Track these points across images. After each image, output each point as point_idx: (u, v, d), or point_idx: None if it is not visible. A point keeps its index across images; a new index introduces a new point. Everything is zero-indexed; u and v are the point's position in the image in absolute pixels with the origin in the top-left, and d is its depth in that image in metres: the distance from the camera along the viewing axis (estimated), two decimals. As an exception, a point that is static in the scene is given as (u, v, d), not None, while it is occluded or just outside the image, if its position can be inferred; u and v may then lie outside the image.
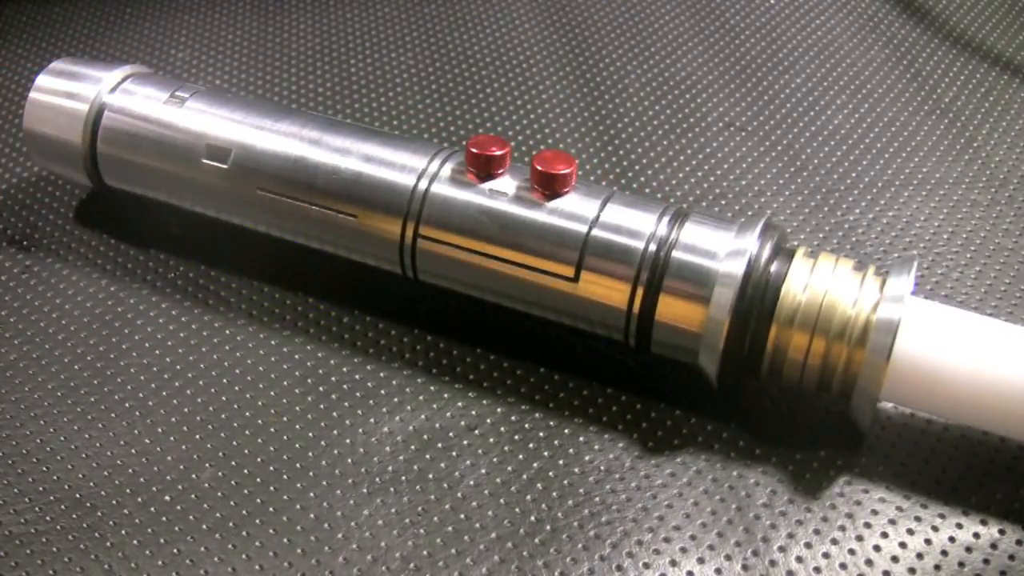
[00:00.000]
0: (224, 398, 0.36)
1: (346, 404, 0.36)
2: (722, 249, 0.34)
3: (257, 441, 0.35)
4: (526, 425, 0.35)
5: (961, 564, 0.31)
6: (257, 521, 0.32)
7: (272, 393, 0.36)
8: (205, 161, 0.39)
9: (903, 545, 0.32)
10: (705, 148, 0.49)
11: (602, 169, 0.47)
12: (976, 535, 0.32)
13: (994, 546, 0.32)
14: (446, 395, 0.36)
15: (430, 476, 0.34)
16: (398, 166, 0.37)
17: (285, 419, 0.35)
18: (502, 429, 0.35)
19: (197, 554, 0.31)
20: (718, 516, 0.33)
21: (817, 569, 0.31)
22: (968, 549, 0.32)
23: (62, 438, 0.35)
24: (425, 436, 0.35)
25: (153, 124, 0.40)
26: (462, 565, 0.31)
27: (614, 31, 0.57)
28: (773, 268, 0.33)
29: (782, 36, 0.57)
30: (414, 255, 0.37)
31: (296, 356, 0.38)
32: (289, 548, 0.32)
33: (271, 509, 0.33)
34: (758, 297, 0.33)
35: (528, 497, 0.33)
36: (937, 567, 0.31)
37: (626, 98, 0.52)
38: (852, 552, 0.32)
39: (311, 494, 0.33)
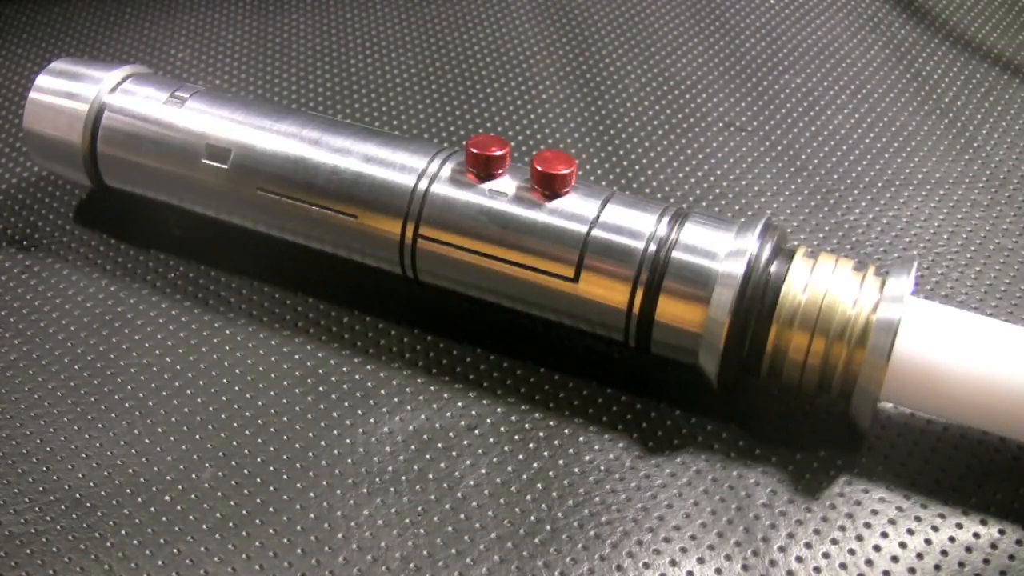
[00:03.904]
0: (224, 398, 0.36)
1: (346, 404, 0.36)
2: (722, 249, 0.34)
3: (257, 441, 0.35)
4: (526, 425, 0.35)
5: (961, 564, 0.31)
6: (257, 521, 0.32)
7: (272, 393, 0.36)
8: (205, 161, 0.39)
9: (903, 545, 0.32)
10: (705, 148, 0.49)
11: (602, 169, 0.47)
12: (976, 535, 0.32)
13: (994, 546, 0.32)
14: (446, 395, 0.36)
15: (430, 476, 0.34)
16: (398, 166, 0.37)
17: (285, 419, 0.35)
18: (502, 429, 0.35)
19: (197, 554, 0.31)
20: (718, 516, 0.33)
21: (817, 569, 0.31)
22: (968, 549, 0.32)
23: (62, 438, 0.35)
24: (425, 436, 0.35)
25: (153, 124, 0.40)
26: (462, 565, 0.31)
27: (614, 31, 0.57)
28: (773, 268, 0.33)
29: (782, 36, 0.57)
30: (414, 255, 0.37)
31: (296, 356, 0.38)
32: (289, 548, 0.32)
33: (271, 509, 0.33)
34: (758, 297, 0.33)
35: (528, 497, 0.33)
36: (937, 567, 0.31)
37: (626, 98, 0.52)
38: (852, 552, 0.32)
39: (311, 494, 0.33)
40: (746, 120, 0.51)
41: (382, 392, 0.37)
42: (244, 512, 0.33)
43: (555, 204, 0.35)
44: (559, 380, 0.37)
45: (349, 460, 0.34)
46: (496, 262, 0.36)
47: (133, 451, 0.34)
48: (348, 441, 0.35)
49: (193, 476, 0.34)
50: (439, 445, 0.35)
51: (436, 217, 0.36)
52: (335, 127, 0.39)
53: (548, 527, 0.32)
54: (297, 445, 0.35)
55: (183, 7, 0.59)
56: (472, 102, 0.51)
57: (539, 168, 0.35)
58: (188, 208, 0.41)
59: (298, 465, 0.34)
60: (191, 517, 0.32)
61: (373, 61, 0.54)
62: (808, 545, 0.32)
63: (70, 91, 0.41)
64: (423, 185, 0.36)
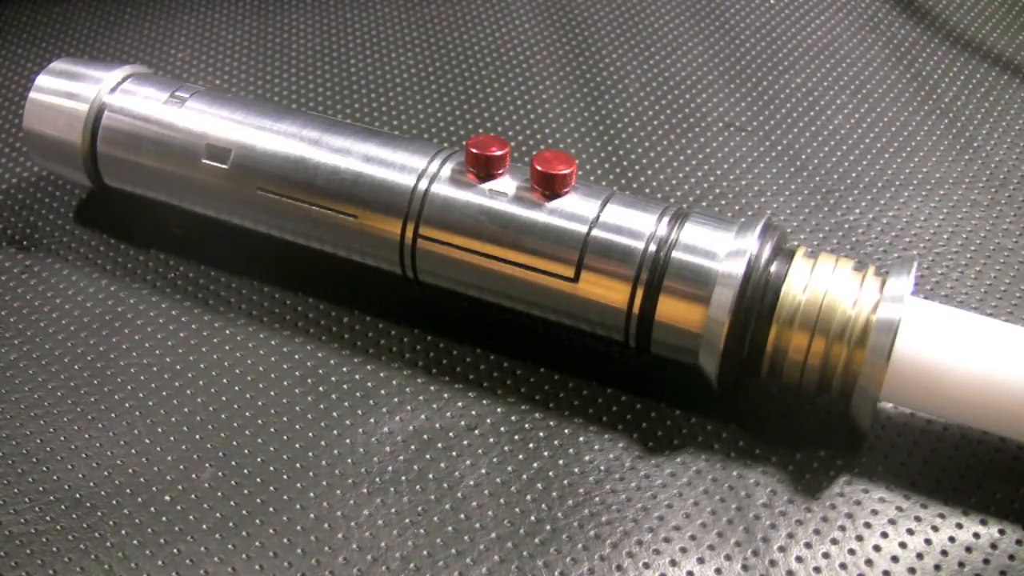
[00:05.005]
0: (224, 398, 0.36)
1: (346, 404, 0.36)
2: (722, 249, 0.34)
3: (257, 441, 0.35)
4: (526, 425, 0.35)
5: (961, 564, 0.31)
6: (257, 521, 0.32)
7: (272, 393, 0.36)
8: (205, 161, 0.39)
9: (903, 545, 0.32)
10: (705, 148, 0.49)
11: (602, 169, 0.47)
12: (976, 535, 0.32)
13: (994, 546, 0.32)
14: (446, 395, 0.36)
15: (430, 476, 0.34)
16: (398, 166, 0.37)
17: (285, 419, 0.35)
18: (502, 429, 0.35)
19: (197, 554, 0.31)
20: (718, 516, 0.33)
21: (817, 569, 0.31)
22: (968, 549, 0.32)
23: (62, 438, 0.35)
24: (425, 436, 0.35)
25: (153, 124, 0.40)
26: (462, 565, 0.31)
27: (614, 31, 0.57)
28: (773, 268, 0.33)
29: (782, 36, 0.57)
30: (414, 255, 0.37)
31: (296, 356, 0.38)
32: (289, 548, 0.32)
33: (271, 509, 0.33)
34: (758, 297, 0.33)
35: (528, 497, 0.33)
36: (937, 567, 0.31)
37: (626, 98, 0.52)
38: (852, 552, 0.32)
39: (311, 494, 0.33)
40: (746, 120, 0.51)
41: (382, 392, 0.37)
42: (244, 512, 0.33)
43: (555, 204, 0.35)
44: (559, 380, 0.37)
45: (349, 460, 0.34)
46: (496, 262, 0.36)
47: (133, 451, 0.34)
48: (348, 441, 0.35)
49: (193, 476, 0.34)
50: (439, 445, 0.35)
51: (436, 217, 0.36)
52: (335, 127, 0.39)
53: (548, 527, 0.32)
54: (297, 445, 0.35)
55: (183, 7, 0.59)
56: (472, 102, 0.51)
57: (539, 168, 0.35)
58: (188, 208, 0.41)
59: (298, 465, 0.34)
60: (191, 517, 0.32)
61: (373, 61, 0.54)
62: (808, 545, 0.32)
63: (70, 91, 0.41)
64: (423, 185, 0.36)
